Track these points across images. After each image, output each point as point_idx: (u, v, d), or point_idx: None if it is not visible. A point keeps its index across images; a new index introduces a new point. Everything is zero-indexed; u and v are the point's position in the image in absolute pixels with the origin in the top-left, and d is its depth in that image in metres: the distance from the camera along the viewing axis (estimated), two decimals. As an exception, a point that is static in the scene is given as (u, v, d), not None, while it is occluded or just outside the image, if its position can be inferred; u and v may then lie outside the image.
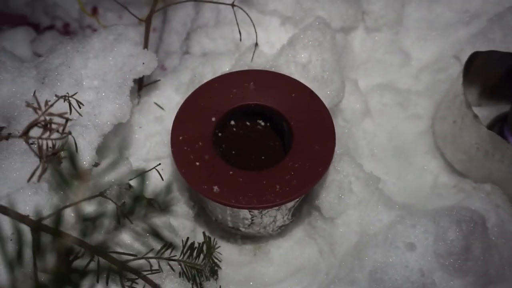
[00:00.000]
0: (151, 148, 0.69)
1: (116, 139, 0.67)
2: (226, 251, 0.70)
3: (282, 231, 0.71)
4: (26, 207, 0.50)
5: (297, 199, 0.62)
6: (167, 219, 0.61)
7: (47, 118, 0.44)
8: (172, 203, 0.28)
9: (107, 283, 0.45)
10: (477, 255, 0.59)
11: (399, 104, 0.82)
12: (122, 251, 0.36)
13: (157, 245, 0.36)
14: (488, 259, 0.60)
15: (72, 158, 0.33)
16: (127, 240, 0.36)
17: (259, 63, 0.72)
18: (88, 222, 0.26)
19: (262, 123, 0.70)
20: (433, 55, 0.84)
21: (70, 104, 0.53)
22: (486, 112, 0.80)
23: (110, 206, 0.35)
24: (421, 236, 0.59)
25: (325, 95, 0.69)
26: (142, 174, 0.26)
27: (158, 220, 0.33)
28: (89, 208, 0.34)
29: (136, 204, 0.33)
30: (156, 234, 0.29)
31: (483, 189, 0.69)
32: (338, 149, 0.66)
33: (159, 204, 0.34)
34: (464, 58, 0.72)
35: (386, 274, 0.58)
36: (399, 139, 0.80)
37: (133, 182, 0.53)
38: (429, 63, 0.84)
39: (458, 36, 0.83)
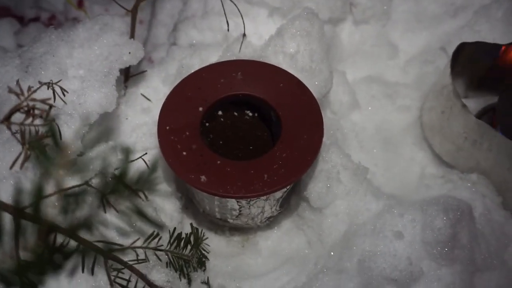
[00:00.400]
0: (138, 139, 0.68)
1: (102, 130, 0.66)
2: (214, 242, 0.69)
3: (271, 222, 0.70)
4: (9, 197, 0.49)
5: (285, 189, 0.62)
6: (153, 210, 0.61)
7: (30, 104, 0.43)
8: (157, 181, 0.27)
9: (92, 273, 0.44)
10: (464, 244, 0.59)
11: (387, 96, 0.82)
12: (107, 234, 0.35)
13: (143, 228, 0.35)
14: (475, 247, 0.60)
15: (56, 143, 0.33)
16: (113, 226, 0.35)
17: (247, 53, 0.72)
18: (71, 198, 0.25)
19: (250, 113, 0.69)
20: (421, 47, 0.84)
21: (54, 91, 0.52)
22: (473, 104, 0.80)
23: (93, 190, 0.34)
24: (409, 225, 0.59)
25: (313, 85, 0.68)
26: (126, 152, 0.26)
27: (144, 206, 0.33)
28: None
29: (120, 190, 0.32)
30: (141, 214, 0.28)
31: (470, 179, 0.69)
32: (326, 140, 0.66)
33: (145, 194, 0.33)
34: (451, 50, 0.72)
35: (375, 263, 0.58)
36: (387, 130, 0.80)
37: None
38: (417, 55, 0.84)
39: (445, 28, 0.83)
